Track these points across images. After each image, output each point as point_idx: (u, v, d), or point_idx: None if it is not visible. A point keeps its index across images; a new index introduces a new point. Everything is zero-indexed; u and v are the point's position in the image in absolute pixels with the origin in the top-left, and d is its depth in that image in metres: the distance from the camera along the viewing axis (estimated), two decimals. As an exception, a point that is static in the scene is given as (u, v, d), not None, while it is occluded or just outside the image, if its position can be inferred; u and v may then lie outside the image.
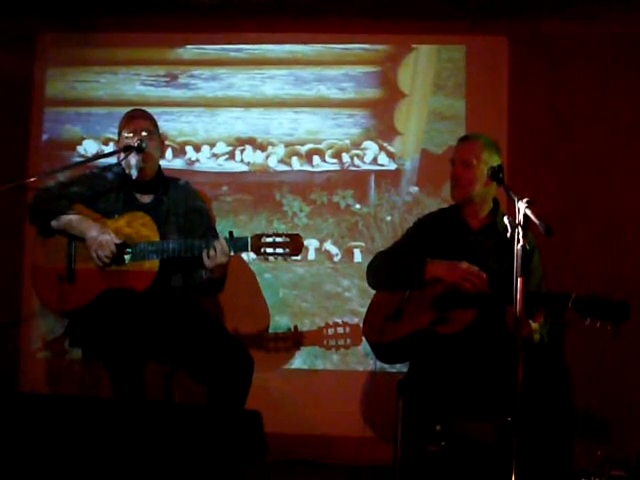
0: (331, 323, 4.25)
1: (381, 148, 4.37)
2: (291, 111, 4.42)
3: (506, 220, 2.74)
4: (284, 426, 4.04)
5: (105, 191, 3.42)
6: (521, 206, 2.71)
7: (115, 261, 3.23)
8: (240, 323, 4.19)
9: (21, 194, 3.62)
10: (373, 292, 3.53)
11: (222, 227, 3.99)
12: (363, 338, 3.67)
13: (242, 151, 4.42)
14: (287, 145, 4.41)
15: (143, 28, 4.48)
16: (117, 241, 3.23)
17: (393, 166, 4.36)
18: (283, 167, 4.41)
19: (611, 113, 4.21)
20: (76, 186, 3.42)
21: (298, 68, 4.44)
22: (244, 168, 4.42)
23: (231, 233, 3.21)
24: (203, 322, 3.38)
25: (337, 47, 4.43)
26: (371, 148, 4.37)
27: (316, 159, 4.38)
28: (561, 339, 3.61)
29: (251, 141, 4.42)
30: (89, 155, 4.43)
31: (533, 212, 2.69)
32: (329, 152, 4.38)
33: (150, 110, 3.61)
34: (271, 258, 3.17)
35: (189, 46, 4.48)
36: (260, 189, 4.40)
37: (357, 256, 4.33)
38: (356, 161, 4.37)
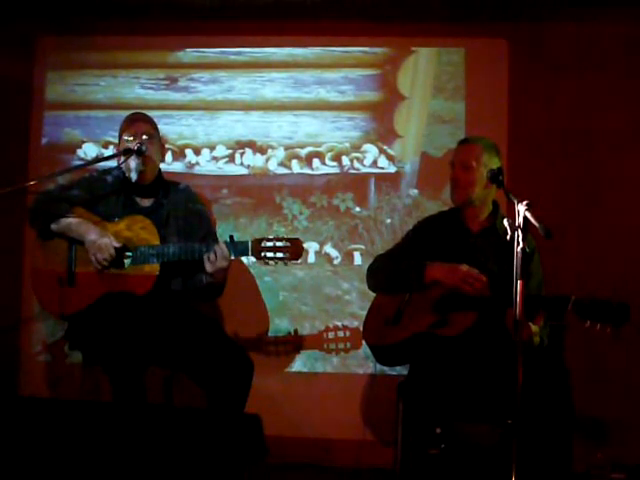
0: (331, 326, 4.24)
1: (381, 151, 4.37)
2: (291, 114, 4.42)
3: (506, 223, 2.75)
4: (284, 429, 4.03)
5: (105, 194, 3.42)
6: (521, 209, 2.71)
7: (114, 265, 3.23)
8: (240, 326, 4.19)
9: (21, 197, 3.62)
10: (373, 295, 3.53)
11: (222, 230, 4.00)
12: (363, 341, 3.67)
13: (242, 154, 4.42)
14: (287, 148, 4.41)
15: (143, 31, 4.48)
16: (116, 244, 3.23)
17: (393, 169, 4.36)
18: (283, 170, 4.41)
19: (612, 116, 4.21)
20: (76, 189, 3.43)
21: (298, 71, 4.44)
22: (244, 171, 4.42)
23: (232, 237, 3.21)
24: (203, 325, 3.37)
25: (337, 50, 4.43)
26: (371, 151, 4.37)
27: (316, 162, 4.38)
28: (561, 342, 3.61)
29: (251, 144, 4.42)
30: (89, 158, 4.43)
31: (533, 214, 2.69)
32: (329, 155, 4.38)
33: (150, 113, 3.61)
34: (271, 262, 3.18)
35: (189, 49, 4.48)
36: (260, 192, 4.40)
37: (357, 259, 4.33)
38: (356, 164, 4.37)
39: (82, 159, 4.44)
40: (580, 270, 4.11)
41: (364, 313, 3.53)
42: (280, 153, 4.41)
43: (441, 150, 4.31)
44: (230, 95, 4.46)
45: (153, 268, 3.23)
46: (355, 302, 4.29)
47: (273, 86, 4.44)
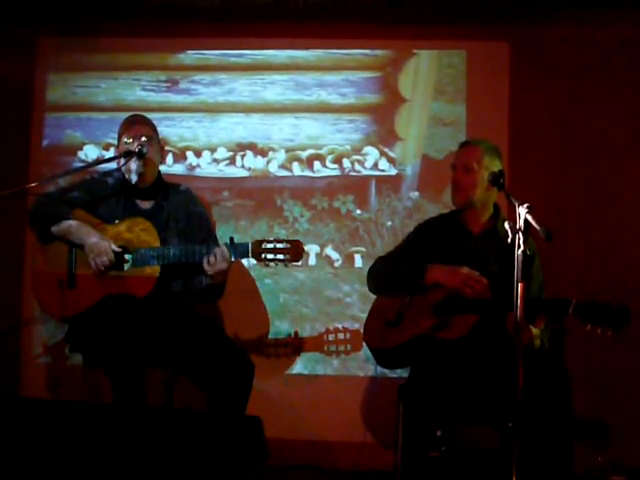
0: (332, 329, 4.24)
1: (382, 153, 4.37)
2: (292, 116, 4.42)
3: (507, 225, 2.75)
4: (285, 431, 4.03)
5: (105, 196, 3.42)
6: (522, 211, 2.71)
7: (114, 269, 3.23)
8: (240, 328, 4.19)
9: (22, 199, 3.62)
10: (374, 297, 3.53)
11: (223, 232, 3.99)
12: (364, 344, 3.67)
13: (243, 156, 4.42)
14: (288, 150, 4.41)
15: (144, 33, 4.48)
16: (116, 249, 3.23)
17: (394, 171, 4.36)
18: (284, 172, 4.41)
19: (613, 118, 4.20)
20: (76, 191, 3.43)
21: (299, 73, 4.44)
22: (245, 173, 4.42)
23: (232, 239, 3.21)
24: (203, 328, 3.38)
25: (338, 52, 4.43)
26: (372, 153, 4.37)
27: (317, 164, 4.38)
28: (561, 345, 3.61)
29: (252, 146, 4.42)
30: (90, 160, 4.42)
31: (534, 217, 2.69)
32: (330, 157, 4.38)
33: (151, 115, 3.62)
34: (272, 264, 3.18)
35: (190, 51, 4.48)
36: (261, 194, 4.40)
37: (358, 261, 4.33)
38: (357, 166, 4.37)
39: (83, 161, 4.43)
40: (581, 273, 4.11)
41: (365, 315, 3.53)
42: (281, 155, 4.41)
43: (442, 152, 4.31)
44: (231, 97, 4.46)
45: (153, 270, 3.23)
46: (356, 304, 4.29)
47: (274, 88, 4.44)
